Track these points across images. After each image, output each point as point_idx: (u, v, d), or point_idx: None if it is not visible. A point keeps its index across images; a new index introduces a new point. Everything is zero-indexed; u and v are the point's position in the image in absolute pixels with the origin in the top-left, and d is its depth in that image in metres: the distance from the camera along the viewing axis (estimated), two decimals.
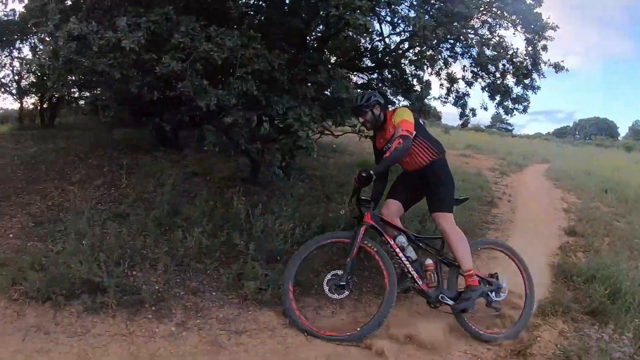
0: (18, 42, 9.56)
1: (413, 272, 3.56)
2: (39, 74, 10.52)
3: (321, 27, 5.81)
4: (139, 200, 4.90)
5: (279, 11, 5.38)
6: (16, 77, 10.99)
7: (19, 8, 8.83)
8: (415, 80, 6.84)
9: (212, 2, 5.05)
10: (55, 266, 3.50)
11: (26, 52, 10.68)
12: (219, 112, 4.94)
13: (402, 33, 6.10)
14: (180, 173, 5.71)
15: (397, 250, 3.61)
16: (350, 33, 5.66)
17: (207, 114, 5.11)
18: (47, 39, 4.82)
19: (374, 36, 6.41)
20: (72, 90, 8.66)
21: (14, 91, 10.90)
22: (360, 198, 3.83)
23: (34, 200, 5.01)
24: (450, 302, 3.53)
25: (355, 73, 6.92)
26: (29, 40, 10.06)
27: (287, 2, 5.42)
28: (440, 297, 3.53)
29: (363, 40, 6.81)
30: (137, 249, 3.84)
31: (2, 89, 9.96)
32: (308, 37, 5.75)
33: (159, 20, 4.31)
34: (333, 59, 6.78)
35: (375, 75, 7.09)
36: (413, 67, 6.64)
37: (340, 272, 3.52)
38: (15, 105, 11.88)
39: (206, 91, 4.38)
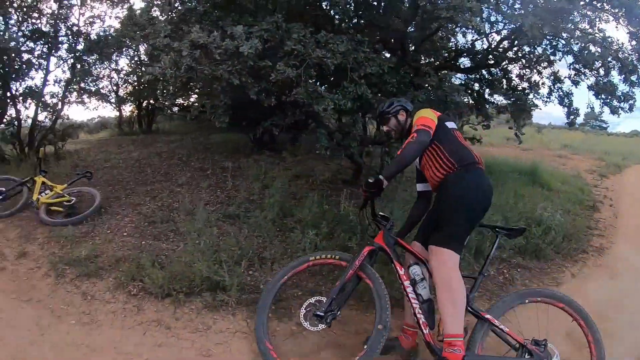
0: (115, 55, 10.76)
1: (420, 316, 2.82)
2: (136, 84, 11.85)
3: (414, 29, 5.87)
4: (246, 202, 5.21)
5: (378, 13, 5.55)
6: (114, 87, 12.15)
7: (115, 24, 10.16)
8: (518, 79, 6.78)
9: (316, 8, 5.42)
10: (175, 264, 3.82)
11: (122, 64, 12.06)
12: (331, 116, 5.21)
13: (501, 32, 6.09)
14: (283, 175, 5.95)
15: (406, 283, 2.95)
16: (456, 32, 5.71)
17: (317, 118, 5.42)
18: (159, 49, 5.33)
19: (473, 35, 6.40)
20: (189, 98, 9.80)
21: (112, 100, 12.17)
22: (378, 213, 3.26)
23: (144, 201, 5.53)
24: None
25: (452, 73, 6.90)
26: (124, 53, 11.20)
27: (385, 3, 5.57)
28: None
29: (462, 40, 6.82)
30: (253, 249, 4.08)
31: (103, 99, 11.16)
32: (407, 40, 5.82)
33: (270, 29, 4.69)
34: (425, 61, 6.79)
35: (472, 76, 7.02)
36: (515, 66, 6.59)
37: (323, 299, 3.03)
38: (113, 113, 13.33)
39: (322, 96, 4.65)
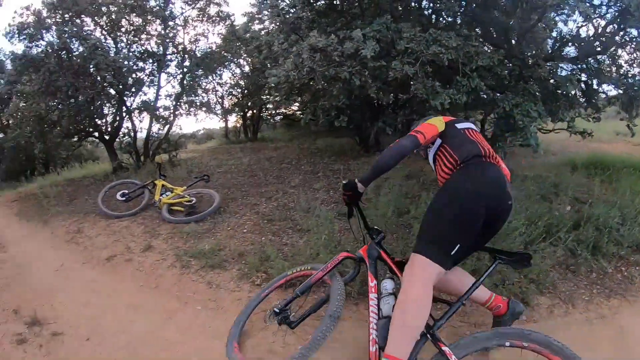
0: (219, 69, 11.81)
1: (372, 332, 2.55)
2: (240, 96, 12.90)
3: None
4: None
5: (480, 7, 5.59)
6: (220, 100, 13.34)
7: (217, 40, 11.21)
8: (627, 65, 6.36)
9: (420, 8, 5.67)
10: (299, 256, 4.11)
11: (225, 77, 13.09)
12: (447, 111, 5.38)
13: (605, 15, 5.76)
14: (393, 176, 6.09)
15: (372, 296, 2.73)
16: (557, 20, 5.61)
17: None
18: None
19: (576, 23, 6.15)
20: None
21: (218, 111, 13.15)
22: (370, 226, 3.20)
23: (260, 201, 5.96)
24: None
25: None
26: (228, 66, 12.32)
27: None
28: None
29: (565, 29, 6.61)
30: None
31: (209, 111, 12.23)
32: (510, 32, 5.77)
33: (381, 30, 5.01)
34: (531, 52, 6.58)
35: (579, 66, 6.55)
36: (624, 51, 6.18)
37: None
38: (218, 125, 14.54)
39: (437, 92, 4.86)
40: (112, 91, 9.76)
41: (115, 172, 9.64)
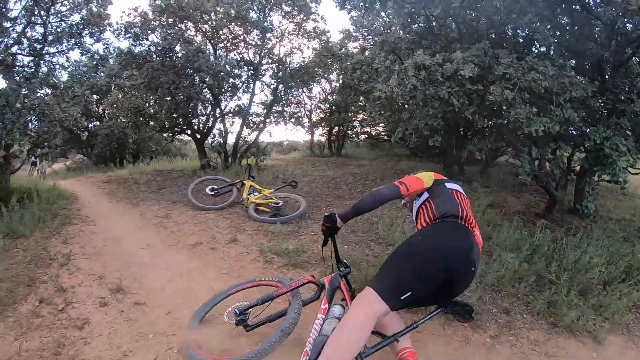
0: (310, 83, 12.17)
1: (309, 345, 2.68)
2: (328, 111, 13.28)
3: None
4: None
5: (574, 38, 5.57)
6: (308, 113, 13.84)
7: (311, 54, 11.62)
8: None
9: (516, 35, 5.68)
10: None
11: (315, 92, 13.64)
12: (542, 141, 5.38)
13: None
14: (476, 204, 6.15)
15: (320, 316, 2.88)
16: None
17: (516, 144, 5.65)
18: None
19: None
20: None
21: (306, 124, 13.68)
22: (340, 258, 3.30)
23: None
24: None
25: None
26: (318, 81, 12.77)
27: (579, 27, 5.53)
28: None
29: None
30: None
31: (297, 122, 12.65)
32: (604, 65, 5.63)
33: (479, 54, 5.09)
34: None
35: None
36: None
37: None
38: (302, 138, 15.01)
39: (532, 119, 4.90)
40: (209, 94, 10.36)
41: (203, 169, 10.17)
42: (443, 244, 2.65)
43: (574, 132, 5.28)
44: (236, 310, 3.35)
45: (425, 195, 3.05)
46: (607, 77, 5.48)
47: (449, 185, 3.09)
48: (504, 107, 5.06)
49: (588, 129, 5.02)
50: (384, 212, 5.94)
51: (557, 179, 5.71)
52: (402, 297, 2.51)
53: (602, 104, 5.29)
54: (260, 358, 2.91)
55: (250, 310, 3.38)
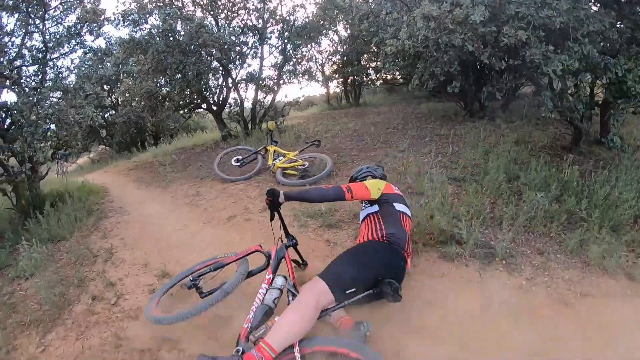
0: (318, 38, 12.02)
1: (251, 313, 3.02)
2: (340, 63, 13.17)
3: None
4: (469, 167, 5.57)
5: None
6: (320, 67, 13.82)
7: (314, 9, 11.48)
8: None
9: None
10: (416, 216, 4.25)
11: (324, 45, 13.44)
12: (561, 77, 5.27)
13: None
14: (501, 141, 6.16)
15: (264, 286, 3.21)
16: None
17: (537, 81, 5.55)
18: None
19: None
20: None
21: (319, 78, 13.58)
22: (287, 231, 3.65)
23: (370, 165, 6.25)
24: None
25: None
26: (325, 35, 12.56)
27: None
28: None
29: None
30: (484, 209, 4.40)
31: (311, 78, 12.55)
32: None
33: None
34: None
35: None
36: None
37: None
38: (318, 92, 14.95)
39: (549, 58, 4.79)
40: (218, 65, 10.31)
41: (224, 140, 10.31)
42: (387, 268, 3.15)
43: (597, 65, 5.12)
44: (190, 277, 3.61)
45: (375, 208, 3.58)
46: (623, 4, 5.27)
47: (398, 207, 3.56)
48: (520, 47, 4.95)
49: (609, 61, 4.87)
50: (410, 160, 5.96)
51: (580, 113, 5.60)
52: (347, 292, 2.93)
53: (620, 34, 5.09)
54: (202, 311, 3.27)
55: (202, 277, 3.65)
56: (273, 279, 3.31)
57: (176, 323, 3.38)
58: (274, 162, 6.78)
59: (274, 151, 7.02)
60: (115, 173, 9.70)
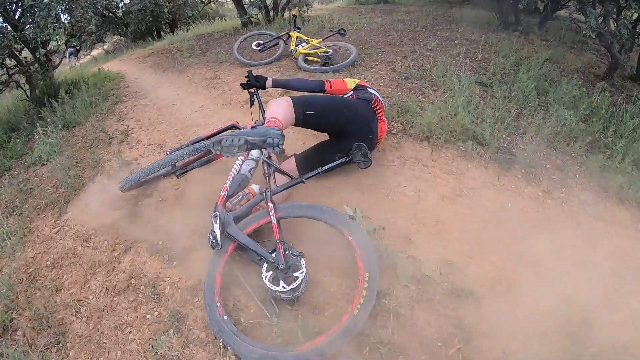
0: None
1: (228, 181, 3.19)
2: None
3: None
4: (498, 74, 5.40)
5: None
6: None
7: None
8: None
9: None
10: (437, 112, 4.24)
11: None
12: None
13: None
14: (533, 56, 5.96)
15: (241, 158, 3.35)
16: None
17: None
18: None
19: None
20: None
21: None
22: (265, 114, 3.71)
23: (395, 59, 5.99)
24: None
25: None
26: None
27: None
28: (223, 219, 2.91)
29: None
30: (510, 116, 4.35)
31: None
32: None
33: None
34: None
35: None
36: None
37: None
38: None
39: None
40: None
41: (244, 27, 9.98)
42: (351, 104, 3.50)
43: None
44: (167, 152, 3.76)
45: (350, 93, 3.78)
46: None
47: (371, 90, 3.75)
48: None
49: None
50: (437, 59, 5.81)
51: (622, 40, 5.30)
52: (305, 112, 3.24)
53: None
54: (162, 166, 3.32)
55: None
56: (248, 152, 3.38)
57: (141, 180, 3.54)
58: (297, 47, 6.60)
59: (297, 37, 6.82)
60: (131, 61, 9.49)
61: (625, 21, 5.21)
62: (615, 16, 5.56)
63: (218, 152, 2.82)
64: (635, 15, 5.72)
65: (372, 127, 3.53)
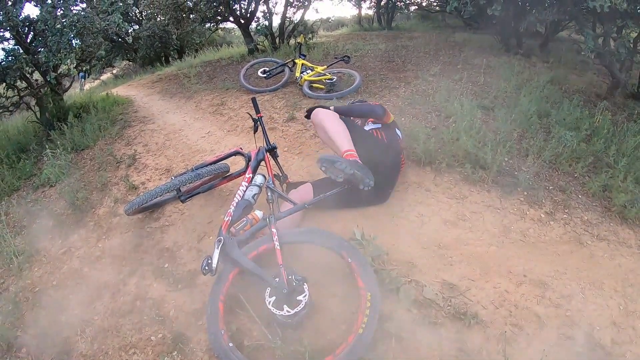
0: None
1: (231, 208, 3.20)
2: None
3: None
4: (500, 97, 5.47)
5: None
6: None
7: None
8: None
9: None
10: (440, 137, 4.31)
11: None
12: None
13: None
14: (535, 79, 6.02)
15: (244, 184, 3.40)
16: None
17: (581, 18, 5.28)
18: None
19: None
20: None
21: None
22: (268, 140, 3.75)
23: (399, 85, 6.10)
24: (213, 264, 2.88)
25: None
26: None
27: None
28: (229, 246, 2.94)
29: None
30: (512, 139, 4.36)
31: None
32: None
33: None
34: None
35: None
36: None
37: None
38: (349, 12, 14.58)
39: None
40: None
41: (251, 54, 10.15)
42: (382, 146, 3.55)
43: None
44: (172, 177, 3.80)
45: (378, 125, 3.84)
46: None
47: (398, 131, 3.83)
48: None
49: None
50: (440, 84, 5.88)
51: (622, 59, 5.38)
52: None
53: None
54: (168, 189, 3.54)
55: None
56: (253, 177, 3.50)
57: (145, 204, 3.66)
58: (302, 75, 6.70)
59: (302, 64, 6.94)
60: (139, 86, 9.68)
61: (624, 40, 5.27)
62: (615, 34, 5.61)
63: (323, 169, 3.08)
64: (635, 34, 5.78)
65: (395, 173, 3.68)
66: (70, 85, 7.69)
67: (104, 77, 15.68)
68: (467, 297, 2.86)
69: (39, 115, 6.78)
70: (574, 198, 3.92)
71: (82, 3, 6.77)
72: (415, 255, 3.16)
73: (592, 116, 5.00)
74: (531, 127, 4.77)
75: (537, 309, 2.80)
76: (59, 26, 5.95)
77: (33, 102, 6.77)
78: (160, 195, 3.65)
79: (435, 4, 12.54)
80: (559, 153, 4.30)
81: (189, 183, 3.60)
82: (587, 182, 4.10)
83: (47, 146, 5.53)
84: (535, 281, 3.01)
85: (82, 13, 6.20)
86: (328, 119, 3.40)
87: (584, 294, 2.94)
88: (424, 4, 13.14)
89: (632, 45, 5.56)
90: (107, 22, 6.32)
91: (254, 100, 3.79)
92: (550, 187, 4.00)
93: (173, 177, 3.65)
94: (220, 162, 3.86)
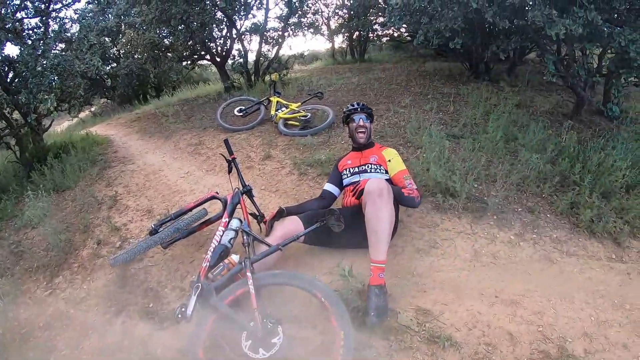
0: None
1: (208, 253, 3.28)
2: (346, 17, 13.05)
3: None
4: (469, 125, 5.70)
5: None
6: (325, 21, 13.75)
7: None
8: None
9: None
10: (413, 167, 4.52)
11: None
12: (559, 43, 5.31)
13: None
14: (502, 104, 6.28)
15: (221, 228, 3.47)
16: None
17: (543, 44, 5.57)
18: None
19: None
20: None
21: (325, 32, 13.66)
22: (244, 181, 3.92)
23: None
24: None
25: None
26: None
27: None
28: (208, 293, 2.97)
29: None
30: (480, 165, 4.52)
31: (316, 32, 12.48)
32: None
33: None
34: None
35: None
36: None
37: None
38: (324, 46, 14.90)
39: (554, 21, 4.83)
40: (223, 16, 10.26)
41: (227, 92, 10.32)
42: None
43: (602, 33, 5.17)
44: (152, 225, 4.01)
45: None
46: None
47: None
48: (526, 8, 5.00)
49: (615, 30, 4.91)
50: (411, 115, 6.10)
51: (583, 79, 5.68)
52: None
53: (629, 5, 5.10)
54: (149, 247, 3.82)
55: (163, 225, 4.02)
56: (229, 221, 3.58)
57: (129, 259, 3.86)
58: (277, 112, 6.91)
59: (277, 102, 7.15)
60: (118, 125, 9.79)
61: (584, 62, 5.59)
62: (578, 56, 5.91)
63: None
64: (597, 54, 6.07)
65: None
66: (50, 125, 7.79)
67: (82, 115, 15.73)
68: (440, 321, 3.00)
69: (19, 155, 6.82)
70: (542, 218, 4.12)
71: (61, 43, 6.93)
72: (390, 285, 3.27)
73: (559, 135, 5.26)
74: (498, 153, 5.00)
75: (510, 327, 2.92)
76: (39, 68, 6.08)
77: (13, 141, 6.81)
78: (144, 251, 3.88)
79: (406, 34, 12.91)
80: (526, 175, 4.52)
81: (169, 237, 3.81)
82: (554, 201, 4.31)
83: (28, 187, 5.59)
84: (506, 301, 3.15)
85: (61, 55, 6.33)
86: (389, 212, 3.19)
87: (555, 309, 3.08)
88: (395, 35, 13.50)
89: (594, 66, 5.85)
90: (87, 65, 6.49)
91: (226, 141, 3.96)
92: (519, 209, 4.21)
93: (153, 225, 3.87)
94: (198, 208, 4.03)
